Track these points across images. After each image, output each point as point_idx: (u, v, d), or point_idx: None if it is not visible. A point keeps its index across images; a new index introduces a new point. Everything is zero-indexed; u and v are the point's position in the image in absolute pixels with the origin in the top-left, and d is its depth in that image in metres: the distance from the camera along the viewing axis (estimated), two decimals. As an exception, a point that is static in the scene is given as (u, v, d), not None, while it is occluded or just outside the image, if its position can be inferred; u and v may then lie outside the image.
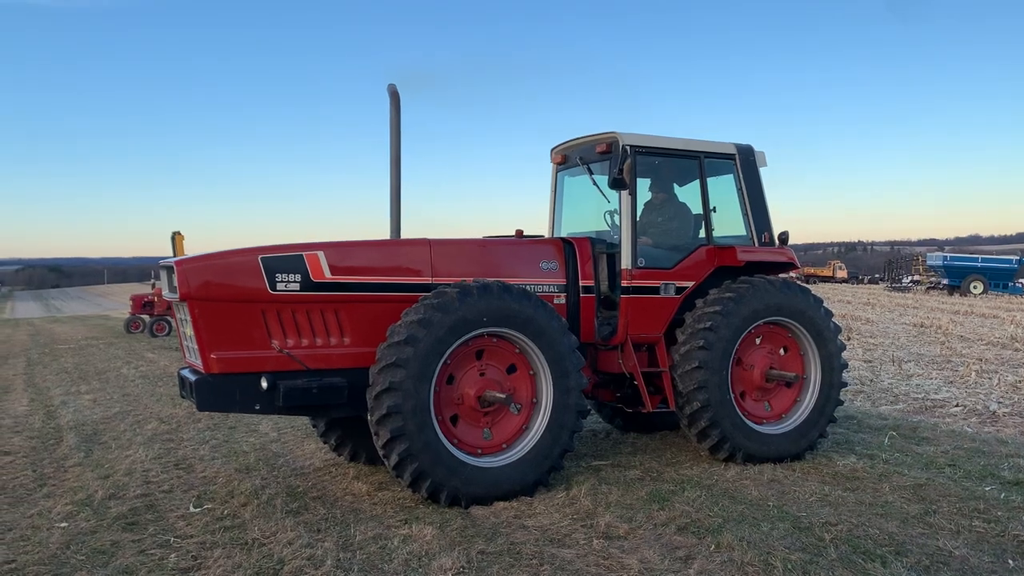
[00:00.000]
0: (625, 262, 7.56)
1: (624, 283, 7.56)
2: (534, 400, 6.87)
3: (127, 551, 5.56)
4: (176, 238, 20.89)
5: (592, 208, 8.51)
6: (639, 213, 8.20)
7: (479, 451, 6.68)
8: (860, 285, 65.05)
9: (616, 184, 7.39)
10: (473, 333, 6.51)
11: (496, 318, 6.54)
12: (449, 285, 6.60)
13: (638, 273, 7.58)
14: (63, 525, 6.12)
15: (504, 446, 6.77)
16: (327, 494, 6.91)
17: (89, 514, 6.39)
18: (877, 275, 72.21)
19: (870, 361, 15.56)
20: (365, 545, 5.60)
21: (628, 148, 7.51)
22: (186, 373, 6.73)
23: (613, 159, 7.43)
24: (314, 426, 7.99)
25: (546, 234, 8.95)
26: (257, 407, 6.45)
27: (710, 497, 6.59)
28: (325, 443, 7.94)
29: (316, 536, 5.77)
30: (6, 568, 5.27)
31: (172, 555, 5.46)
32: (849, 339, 19.49)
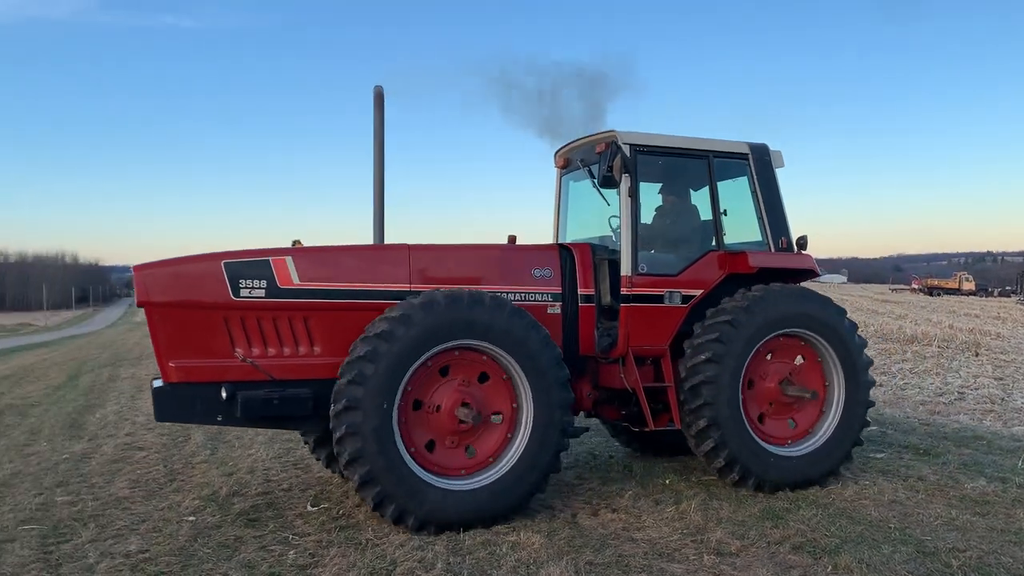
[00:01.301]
0: (625, 268, 7.07)
1: (624, 291, 7.05)
2: (514, 418, 6.43)
3: (250, 546, 5.81)
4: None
5: (598, 213, 7.91)
6: (651, 218, 7.81)
7: (463, 471, 6.30)
8: (989, 298, 61.51)
9: (606, 182, 6.98)
10: (440, 347, 6.12)
11: (465, 331, 6.13)
12: (419, 294, 6.25)
13: (639, 280, 7.07)
14: (191, 519, 6.45)
15: (480, 467, 6.35)
16: (437, 498, 7.02)
17: (215, 509, 6.73)
18: (1008, 287, 68.10)
19: (1001, 379, 14.69)
20: (474, 550, 5.68)
21: (628, 147, 7.12)
22: (157, 382, 6.44)
23: (603, 156, 7.04)
24: (305, 442, 7.72)
25: (552, 241, 8.43)
26: (219, 418, 6.18)
27: (827, 516, 6.36)
28: (317, 459, 7.63)
29: (427, 539, 5.88)
30: (141, 557, 5.60)
31: (291, 552, 5.68)
32: (977, 355, 18.49)
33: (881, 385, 13.77)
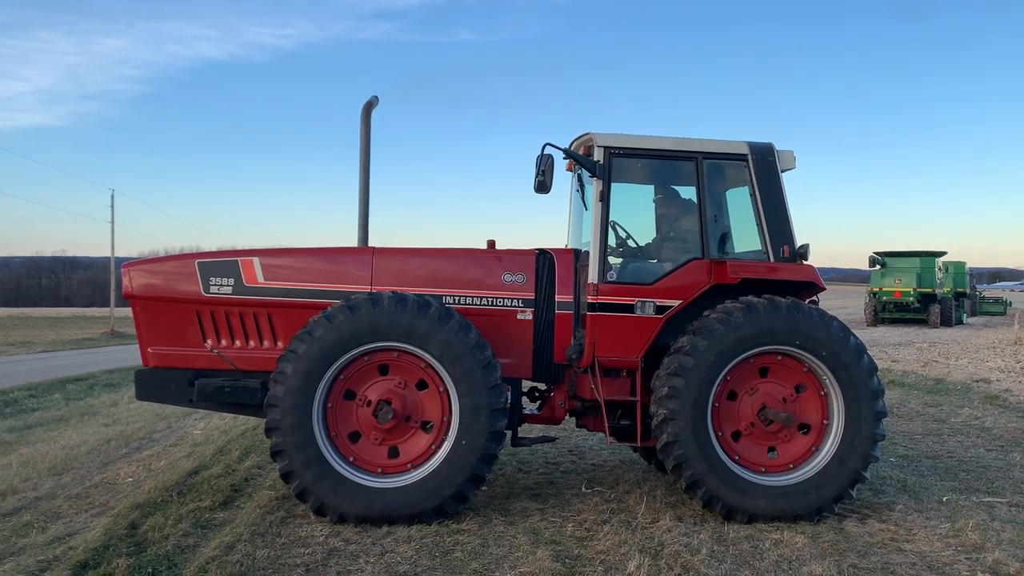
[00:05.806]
0: (592, 275, 6.83)
1: (590, 299, 6.83)
2: (445, 419, 6.47)
3: (534, 516, 6.62)
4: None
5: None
6: (633, 223, 7.47)
7: (379, 469, 6.48)
8: None
9: (539, 188, 6.74)
10: (358, 351, 6.34)
11: (380, 334, 6.29)
12: (360, 294, 6.49)
13: (607, 288, 6.80)
14: (484, 488, 7.28)
15: (409, 466, 6.47)
16: (703, 493, 7.41)
17: (503, 483, 7.64)
18: None
19: None
20: (738, 543, 6.03)
21: (602, 150, 6.87)
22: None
23: (537, 162, 6.75)
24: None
25: (567, 245, 8.10)
26: (191, 400, 6.77)
27: None
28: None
29: (693, 527, 6.33)
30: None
31: (569, 524, 6.38)
32: None
33: None
